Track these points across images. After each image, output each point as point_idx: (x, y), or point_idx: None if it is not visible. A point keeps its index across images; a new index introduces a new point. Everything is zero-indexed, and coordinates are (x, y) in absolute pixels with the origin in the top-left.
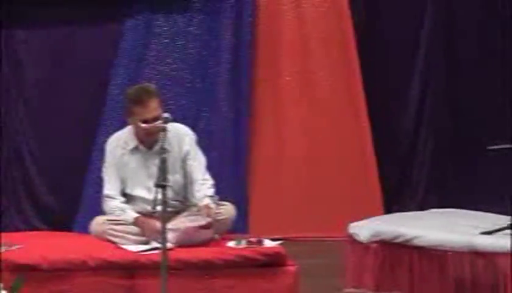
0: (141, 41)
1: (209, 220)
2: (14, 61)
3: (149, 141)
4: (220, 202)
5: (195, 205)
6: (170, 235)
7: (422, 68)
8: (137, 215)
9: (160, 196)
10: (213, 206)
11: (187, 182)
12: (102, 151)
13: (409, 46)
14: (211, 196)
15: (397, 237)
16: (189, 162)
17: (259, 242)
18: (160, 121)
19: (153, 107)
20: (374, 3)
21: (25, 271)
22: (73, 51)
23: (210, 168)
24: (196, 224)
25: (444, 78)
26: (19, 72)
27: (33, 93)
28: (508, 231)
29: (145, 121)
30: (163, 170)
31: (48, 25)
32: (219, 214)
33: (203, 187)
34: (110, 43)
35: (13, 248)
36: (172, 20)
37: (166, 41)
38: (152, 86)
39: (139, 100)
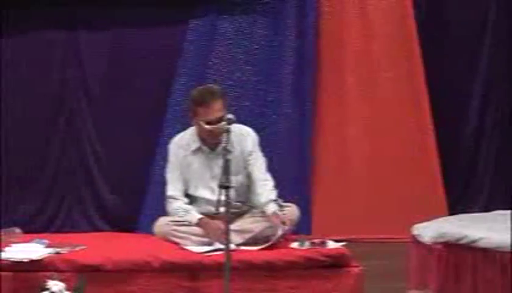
0: (205, 42)
1: (285, 227)
2: (78, 62)
3: (212, 142)
4: (283, 203)
5: (257, 207)
6: (233, 236)
7: (487, 66)
8: (200, 216)
9: (223, 197)
10: (280, 213)
11: (249, 183)
12: (165, 152)
13: (473, 46)
14: (274, 200)
15: (461, 239)
16: (251, 163)
17: (323, 243)
18: (223, 123)
19: (217, 108)
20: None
21: (89, 272)
22: (137, 52)
23: (274, 168)
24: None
25: (508, 76)
26: (83, 73)
27: (97, 94)
28: None
29: (209, 123)
30: (226, 171)
31: (112, 26)
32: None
33: (266, 190)
34: (174, 44)
35: (77, 248)
36: (236, 21)
37: (229, 42)
38: (217, 87)
39: (203, 101)
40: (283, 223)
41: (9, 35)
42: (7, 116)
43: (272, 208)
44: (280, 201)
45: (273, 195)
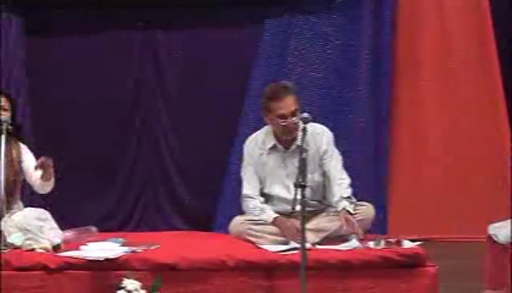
0: (280, 42)
1: (358, 233)
2: (155, 62)
3: (287, 139)
4: (359, 202)
5: (332, 205)
6: (309, 235)
7: None
8: (276, 215)
9: (299, 196)
10: (350, 217)
11: (325, 182)
12: (240, 151)
13: None
14: (347, 197)
15: None
16: (326, 161)
17: (398, 243)
18: (297, 117)
19: (290, 102)
20: None
21: (165, 270)
22: (213, 52)
23: (350, 167)
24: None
25: None
26: (160, 74)
27: (173, 94)
28: None
29: (282, 116)
30: (302, 170)
31: (188, 26)
32: (357, 215)
33: (341, 188)
34: (250, 44)
35: (152, 247)
36: (312, 21)
37: (305, 42)
38: (289, 83)
39: (276, 96)
40: (355, 232)
41: (87, 35)
42: (84, 116)
43: (342, 205)
44: (354, 199)
45: (346, 192)
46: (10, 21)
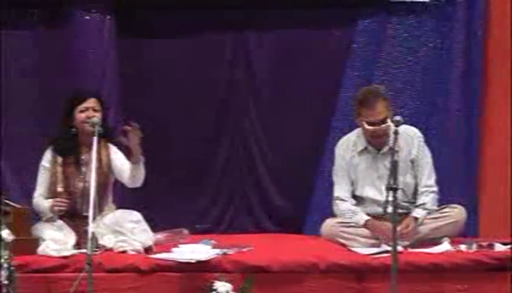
0: (373, 43)
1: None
2: (247, 63)
3: (377, 142)
4: (450, 205)
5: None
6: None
7: None
8: (367, 217)
9: (390, 198)
10: (408, 226)
11: (416, 184)
12: (332, 153)
13: None
14: (422, 204)
15: None
16: (417, 165)
17: (490, 246)
18: (386, 124)
19: (380, 109)
20: None
21: (256, 272)
22: (305, 53)
23: (442, 168)
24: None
25: None
26: (252, 75)
27: (265, 95)
28: None
29: (371, 124)
30: (394, 173)
31: (280, 27)
32: (447, 218)
33: (423, 195)
34: (342, 44)
35: (244, 249)
36: (405, 23)
37: (398, 43)
38: (381, 88)
39: (366, 102)
40: (403, 235)
41: (179, 36)
42: (176, 117)
43: (414, 213)
44: (432, 207)
45: (427, 200)
46: (103, 21)
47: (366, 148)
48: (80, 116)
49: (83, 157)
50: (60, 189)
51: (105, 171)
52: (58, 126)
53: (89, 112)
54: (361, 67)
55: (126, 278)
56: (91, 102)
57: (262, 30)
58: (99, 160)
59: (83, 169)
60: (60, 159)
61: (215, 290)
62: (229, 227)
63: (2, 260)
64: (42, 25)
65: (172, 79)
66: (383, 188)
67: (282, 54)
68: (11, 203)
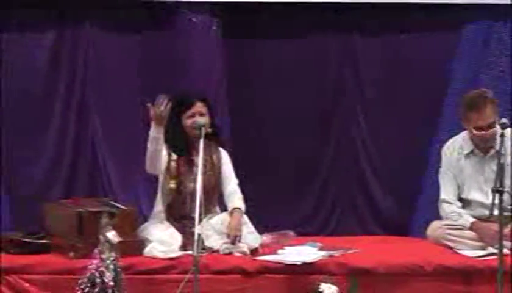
0: (479, 46)
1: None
2: (353, 63)
3: (484, 146)
4: None
5: None
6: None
7: None
8: (473, 219)
9: (496, 201)
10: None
11: None
12: (438, 155)
13: None
14: None
15: None
16: None
17: None
18: (494, 128)
19: (488, 113)
20: None
21: (361, 274)
22: (410, 55)
23: None
24: None
25: None
26: (358, 75)
27: (372, 95)
28: None
29: (479, 128)
30: (500, 176)
31: (386, 29)
32: None
33: None
34: (447, 47)
35: (350, 251)
36: (510, 26)
37: (503, 47)
38: (489, 92)
39: (475, 106)
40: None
41: (286, 37)
42: (282, 118)
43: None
44: None
45: None
46: (209, 22)
47: (472, 151)
48: (187, 122)
49: (195, 158)
50: (172, 185)
51: (216, 173)
52: (167, 126)
53: (196, 118)
54: (467, 70)
55: (232, 280)
56: (198, 107)
57: (368, 32)
58: (211, 163)
59: (195, 170)
60: (174, 156)
61: (321, 292)
62: (335, 230)
63: (108, 262)
64: (148, 26)
65: (278, 79)
66: (490, 191)
67: (388, 55)
68: (118, 205)
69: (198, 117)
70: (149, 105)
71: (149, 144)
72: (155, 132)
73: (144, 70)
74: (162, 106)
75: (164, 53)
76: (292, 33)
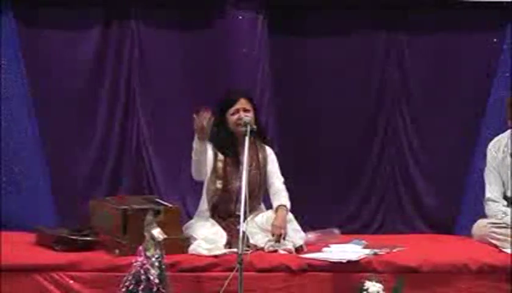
0: None
1: None
2: (399, 62)
3: None
4: None
5: None
6: None
7: None
8: None
9: None
10: None
11: None
12: (483, 153)
13: None
14: None
15: None
16: None
17: None
18: None
19: None
20: None
21: (407, 273)
22: (455, 53)
23: None
24: None
25: None
26: (404, 75)
27: (417, 94)
28: None
29: None
30: None
31: (431, 28)
32: None
33: None
34: (493, 46)
35: (395, 250)
36: None
37: None
38: None
39: None
40: None
41: (331, 35)
42: (328, 116)
43: None
44: None
45: None
46: (255, 20)
47: None
48: (232, 118)
49: (240, 157)
50: (218, 185)
51: (261, 172)
52: (213, 125)
53: (240, 114)
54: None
55: (277, 278)
56: (242, 103)
57: (414, 30)
58: (257, 160)
59: (241, 169)
60: (221, 156)
61: (366, 290)
62: (380, 228)
63: (153, 259)
64: (194, 25)
65: (324, 77)
66: None
67: (434, 53)
68: (163, 202)
69: (242, 113)
70: (194, 116)
71: (193, 155)
72: (198, 145)
73: (189, 69)
74: (204, 121)
75: (210, 51)
76: (338, 31)
